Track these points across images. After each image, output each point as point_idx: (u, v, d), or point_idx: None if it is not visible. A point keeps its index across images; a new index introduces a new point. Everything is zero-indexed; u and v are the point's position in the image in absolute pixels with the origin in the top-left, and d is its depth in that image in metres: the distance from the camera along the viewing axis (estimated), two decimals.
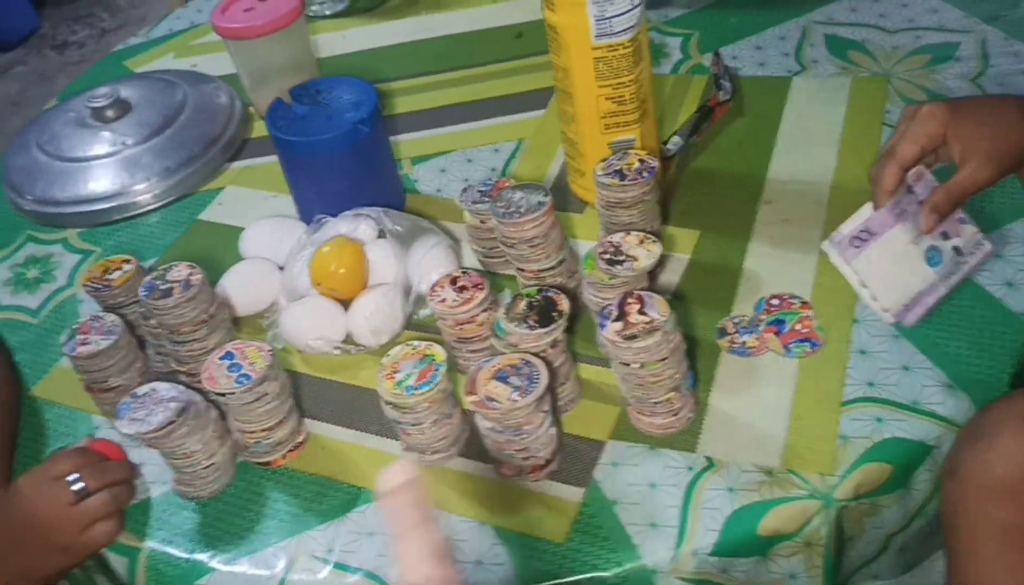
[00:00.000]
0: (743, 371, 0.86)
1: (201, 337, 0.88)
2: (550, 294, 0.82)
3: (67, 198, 1.20)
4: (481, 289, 0.86)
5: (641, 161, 0.91)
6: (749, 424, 0.82)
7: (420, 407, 0.79)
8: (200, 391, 0.83)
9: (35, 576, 0.83)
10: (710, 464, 0.79)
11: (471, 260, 1.02)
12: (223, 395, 0.80)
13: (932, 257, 0.80)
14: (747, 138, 1.11)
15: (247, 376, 0.80)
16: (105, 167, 1.20)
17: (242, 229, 1.10)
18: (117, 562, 0.83)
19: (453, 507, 0.80)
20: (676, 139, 1.08)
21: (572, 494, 0.79)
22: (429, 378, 0.79)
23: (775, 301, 0.91)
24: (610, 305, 0.78)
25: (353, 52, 1.41)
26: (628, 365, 0.77)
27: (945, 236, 0.81)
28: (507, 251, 0.91)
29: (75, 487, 0.81)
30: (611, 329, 0.77)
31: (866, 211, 0.80)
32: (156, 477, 0.88)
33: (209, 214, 1.17)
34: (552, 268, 0.91)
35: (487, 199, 0.96)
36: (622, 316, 0.77)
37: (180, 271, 0.88)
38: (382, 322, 0.93)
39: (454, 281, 0.88)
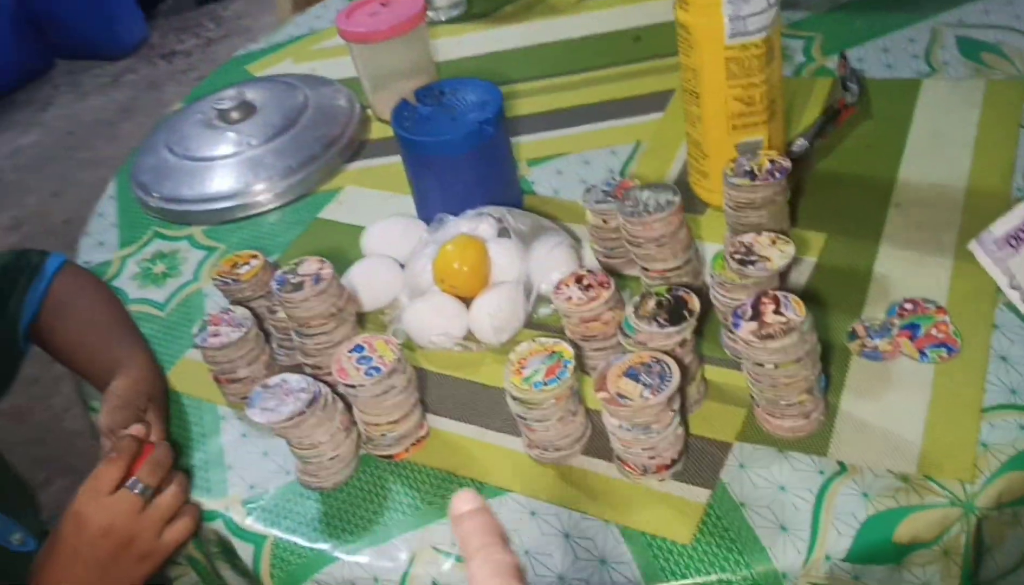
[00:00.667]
0: (875, 375, 0.83)
1: (329, 330, 0.89)
2: (680, 293, 0.81)
3: (193, 196, 1.23)
4: (607, 287, 0.86)
5: (772, 161, 0.89)
6: (882, 429, 0.79)
7: (547, 403, 0.79)
8: (326, 383, 0.85)
9: None
10: (842, 469, 0.77)
11: (591, 261, 1.01)
12: (353, 387, 0.81)
13: None
14: (875, 141, 1.08)
15: (377, 368, 0.81)
16: (230, 167, 1.24)
17: (362, 228, 1.11)
18: (243, 549, 0.85)
19: (576, 504, 0.80)
20: (801, 141, 1.06)
21: (698, 495, 0.78)
22: (557, 374, 0.78)
23: (908, 305, 0.88)
24: (744, 305, 0.77)
25: (470, 56, 1.43)
26: (762, 365, 0.76)
27: None
28: (633, 251, 0.90)
29: (137, 490, 0.83)
30: (746, 329, 0.75)
31: (1021, 211, 0.77)
32: (281, 466, 0.89)
33: (329, 213, 1.19)
34: (678, 268, 0.90)
35: (611, 199, 0.96)
36: (757, 316, 0.76)
37: (310, 265, 0.90)
38: (504, 320, 0.93)
39: (579, 280, 0.87)
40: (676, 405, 0.77)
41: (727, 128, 0.98)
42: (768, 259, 0.82)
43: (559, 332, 0.93)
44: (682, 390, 0.80)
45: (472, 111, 1.05)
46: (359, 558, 0.81)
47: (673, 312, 0.80)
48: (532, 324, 0.96)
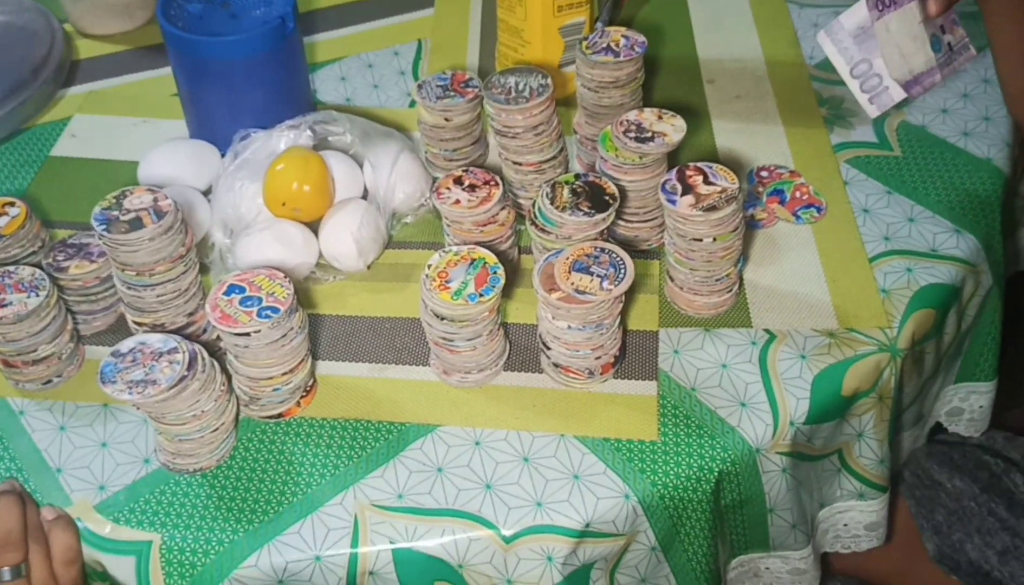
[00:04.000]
0: (761, 244, 0.84)
1: (175, 277, 0.71)
2: (591, 178, 0.75)
3: None
4: (496, 186, 0.77)
5: (626, 36, 0.85)
6: (791, 293, 0.80)
7: (481, 317, 0.69)
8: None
9: None
10: (771, 337, 0.77)
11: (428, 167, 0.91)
12: (247, 335, 0.66)
13: (935, 43, 0.81)
14: (663, 22, 1.08)
15: (273, 308, 0.66)
16: None
17: (116, 162, 0.92)
18: (120, 566, 0.66)
19: (522, 424, 0.72)
20: (598, 25, 1.03)
21: (646, 389, 0.74)
22: (489, 283, 0.69)
23: (764, 173, 0.89)
24: (670, 179, 0.73)
25: None
26: (700, 240, 0.72)
27: (942, 30, 0.82)
28: (503, 142, 0.82)
29: (7, 578, 0.64)
30: (683, 203, 0.71)
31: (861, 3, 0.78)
32: (130, 455, 0.71)
33: (63, 149, 0.97)
34: (552, 158, 0.83)
35: (453, 93, 0.86)
36: (688, 190, 0.72)
37: (139, 198, 0.70)
38: (369, 240, 0.81)
39: (458, 180, 0.78)
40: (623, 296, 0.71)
41: (552, 11, 0.92)
42: (664, 134, 0.78)
43: (425, 246, 0.84)
44: None
45: (256, 6, 0.89)
46: (288, 539, 0.67)
47: (594, 199, 0.74)
48: (390, 243, 0.85)
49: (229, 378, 0.71)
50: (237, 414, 0.72)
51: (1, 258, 0.77)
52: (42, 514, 0.67)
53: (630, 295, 0.79)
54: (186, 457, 0.69)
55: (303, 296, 0.81)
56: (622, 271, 0.68)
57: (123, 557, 0.67)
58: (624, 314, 0.75)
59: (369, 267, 0.82)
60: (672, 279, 0.78)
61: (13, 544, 0.63)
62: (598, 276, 0.68)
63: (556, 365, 0.73)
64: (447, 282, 0.69)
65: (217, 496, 0.69)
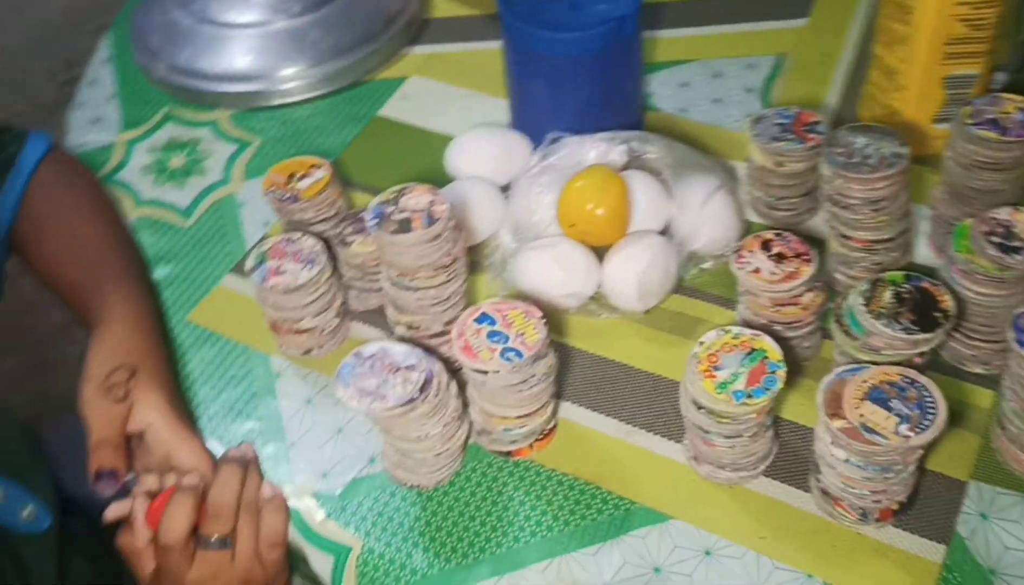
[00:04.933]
0: None
1: (438, 284, 0.68)
2: (922, 283, 0.62)
3: (216, 72, 0.98)
4: (808, 262, 0.66)
5: (1022, 111, 0.69)
6: None
7: (746, 418, 0.60)
8: (430, 352, 0.64)
9: None
10: None
11: (745, 209, 0.81)
12: (484, 373, 0.61)
13: None
14: None
15: (516, 352, 0.61)
16: (262, 39, 0.99)
17: (435, 134, 0.91)
18: (320, 562, 0.65)
19: (766, 548, 0.61)
20: (999, 75, 0.85)
21: (930, 551, 0.60)
22: (763, 383, 0.59)
23: None
24: None
25: None
26: None
27: None
28: (834, 210, 0.70)
29: (214, 547, 0.63)
30: None
31: None
32: (362, 450, 0.69)
33: (391, 109, 0.96)
34: (889, 240, 0.70)
35: (791, 136, 0.75)
36: None
37: (418, 196, 0.67)
38: (654, 283, 0.73)
39: (766, 245, 0.67)
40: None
41: (940, 56, 0.77)
42: None
43: (719, 301, 0.74)
44: None
45: (599, 1, 0.82)
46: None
47: (920, 311, 0.61)
48: (680, 287, 0.76)
49: (466, 404, 0.66)
50: (467, 439, 0.68)
51: (296, 218, 0.77)
52: (261, 490, 0.67)
53: None
54: (406, 471, 0.66)
55: (568, 325, 0.75)
56: (930, 416, 0.55)
57: (325, 554, 0.65)
58: (926, 450, 0.62)
59: (647, 311, 0.74)
60: (1004, 427, 0.63)
61: (225, 516, 0.64)
62: (897, 415, 0.56)
63: (825, 492, 0.61)
64: (716, 368, 0.60)
65: (425, 521, 0.66)
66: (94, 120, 0.99)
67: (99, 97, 1.02)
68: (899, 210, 0.69)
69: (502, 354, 0.61)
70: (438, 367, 0.63)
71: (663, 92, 0.94)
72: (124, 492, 0.66)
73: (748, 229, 0.78)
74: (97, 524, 0.67)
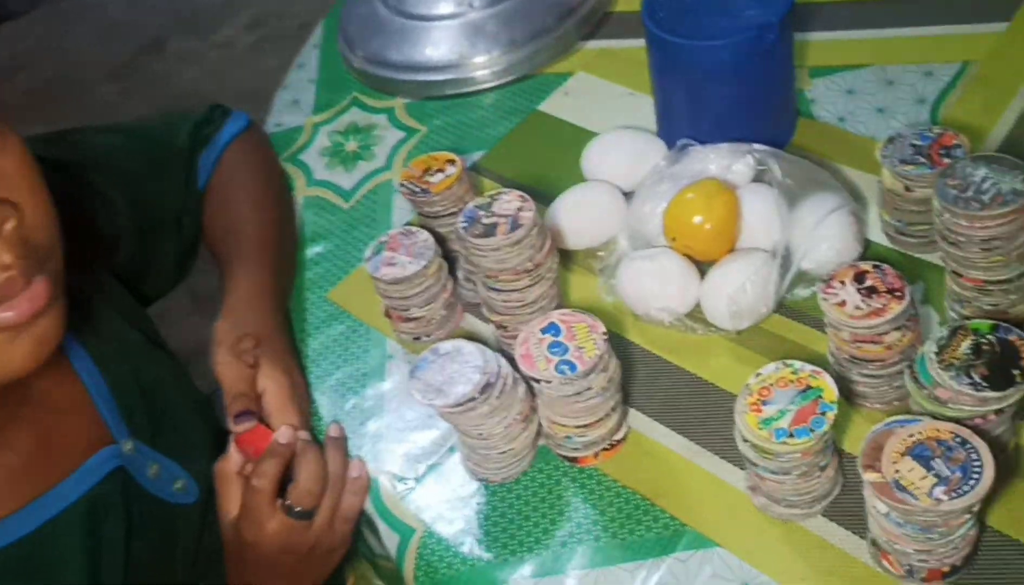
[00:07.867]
0: None
1: (521, 288, 0.71)
2: (1010, 337, 0.57)
3: (400, 61, 1.05)
4: (900, 298, 0.62)
5: None
6: None
7: (789, 458, 0.58)
8: (508, 354, 0.67)
9: None
10: None
11: (876, 232, 0.77)
12: (538, 382, 0.63)
13: None
14: None
15: (571, 364, 0.62)
16: (446, 31, 1.04)
17: (586, 132, 0.91)
18: (388, 538, 0.71)
19: None
20: None
21: None
22: (810, 423, 0.57)
23: None
24: None
25: None
26: None
27: None
28: (944, 247, 0.65)
29: (296, 516, 0.69)
30: None
31: None
32: (448, 438, 0.74)
33: (552, 105, 0.98)
34: (1005, 282, 0.64)
35: (924, 160, 0.70)
36: None
37: (509, 202, 0.70)
38: (750, 304, 0.71)
39: (860, 277, 0.64)
40: (977, 507, 0.54)
41: None
42: None
43: (816, 324, 0.71)
44: None
45: (750, 6, 0.80)
46: (518, 578, 0.65)
47: (996, 366, 0.56)
48: (783, 307, 0.74)
49: (535, 408, 0.69)
50: (536, 439, 0.70)
51: (426, 211, 0.82)
52: (349, 466, 0.73)
53: (1006, 482, 0.60)
54: (475, 464, 0.70)
55: (667, 340, 0.74)
56: (972, 482, 0.51)
57: (393, 532, 0.71)
58: (987, 505, 0.57)
59: (741, 332, 0.73)
60: None
61: (314, 495, 0.70)
62: (935, 475, 0.52)
63: (875, 543, 0.59)
64: (765, 402, 0.59)
65: (485, 514, 0.69)
66: (293, 102, 1.09)
67: (302, 80, 1.12)
68: (1017, 251, 0.63)
69: (557, 366, 0.63)
70: (506, 370, 0.66)
71: (825, 98, 0.89)
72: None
73: (865, 253, 0.74)
74: None
